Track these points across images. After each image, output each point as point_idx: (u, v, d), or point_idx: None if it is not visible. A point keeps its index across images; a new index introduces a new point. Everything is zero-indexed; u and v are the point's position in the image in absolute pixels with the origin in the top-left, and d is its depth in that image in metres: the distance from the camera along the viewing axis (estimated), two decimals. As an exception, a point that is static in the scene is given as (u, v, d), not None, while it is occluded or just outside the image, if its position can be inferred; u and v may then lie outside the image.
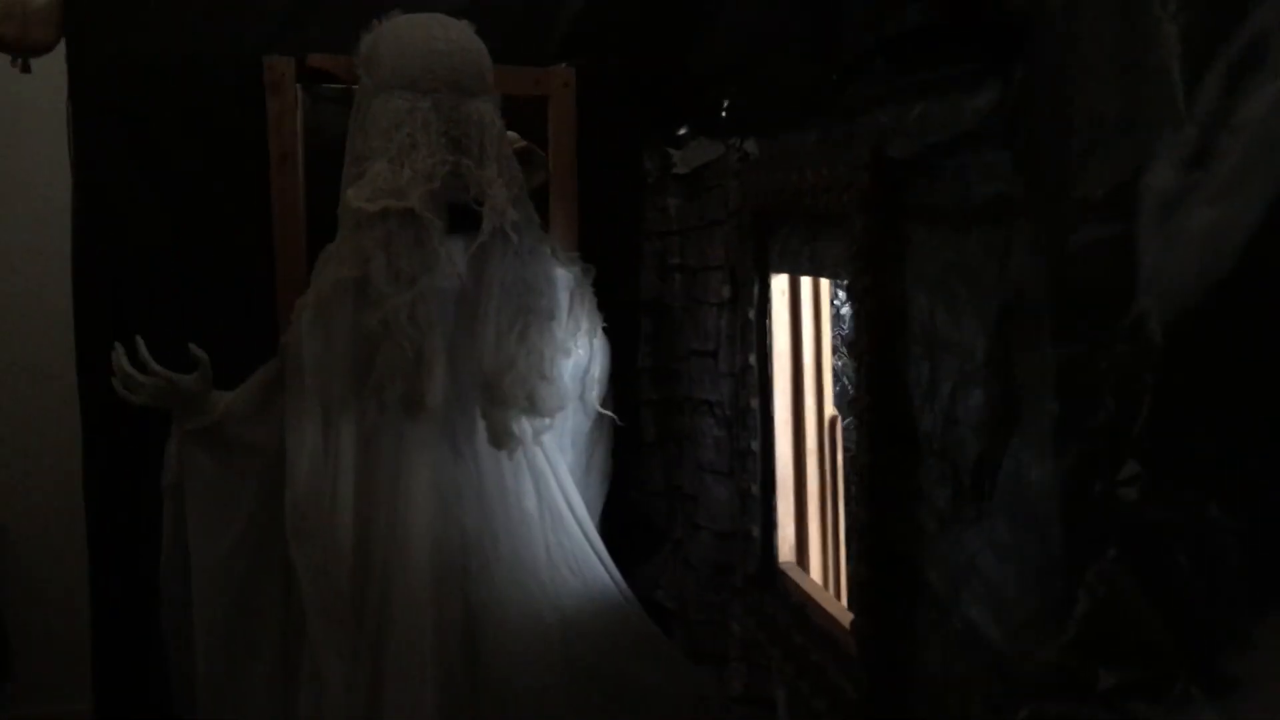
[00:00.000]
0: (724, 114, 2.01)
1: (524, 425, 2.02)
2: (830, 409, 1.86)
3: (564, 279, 2.11)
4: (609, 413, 2.22)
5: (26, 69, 2.06)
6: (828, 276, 1.66)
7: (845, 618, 1.56)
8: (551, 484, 2.10)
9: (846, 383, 1.95)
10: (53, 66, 2.12)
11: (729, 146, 2.03)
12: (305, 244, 2.14)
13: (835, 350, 2.09)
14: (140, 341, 1.97)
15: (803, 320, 1.83)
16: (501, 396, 1.99)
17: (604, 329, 2.20)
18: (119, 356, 1.97)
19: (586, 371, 2.19)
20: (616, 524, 2.29)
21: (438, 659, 2.01)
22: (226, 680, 2.07)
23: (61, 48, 2.09)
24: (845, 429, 1.85)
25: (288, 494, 2.00)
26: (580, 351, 2.15)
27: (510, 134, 2.41)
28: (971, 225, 1.16)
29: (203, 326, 2.06)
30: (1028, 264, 1.04)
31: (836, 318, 2.15)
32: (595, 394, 2.21)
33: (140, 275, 2.11)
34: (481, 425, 2.03)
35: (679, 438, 2.33)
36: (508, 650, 2.06)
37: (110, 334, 2.00)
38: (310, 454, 2.01)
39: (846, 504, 1.82)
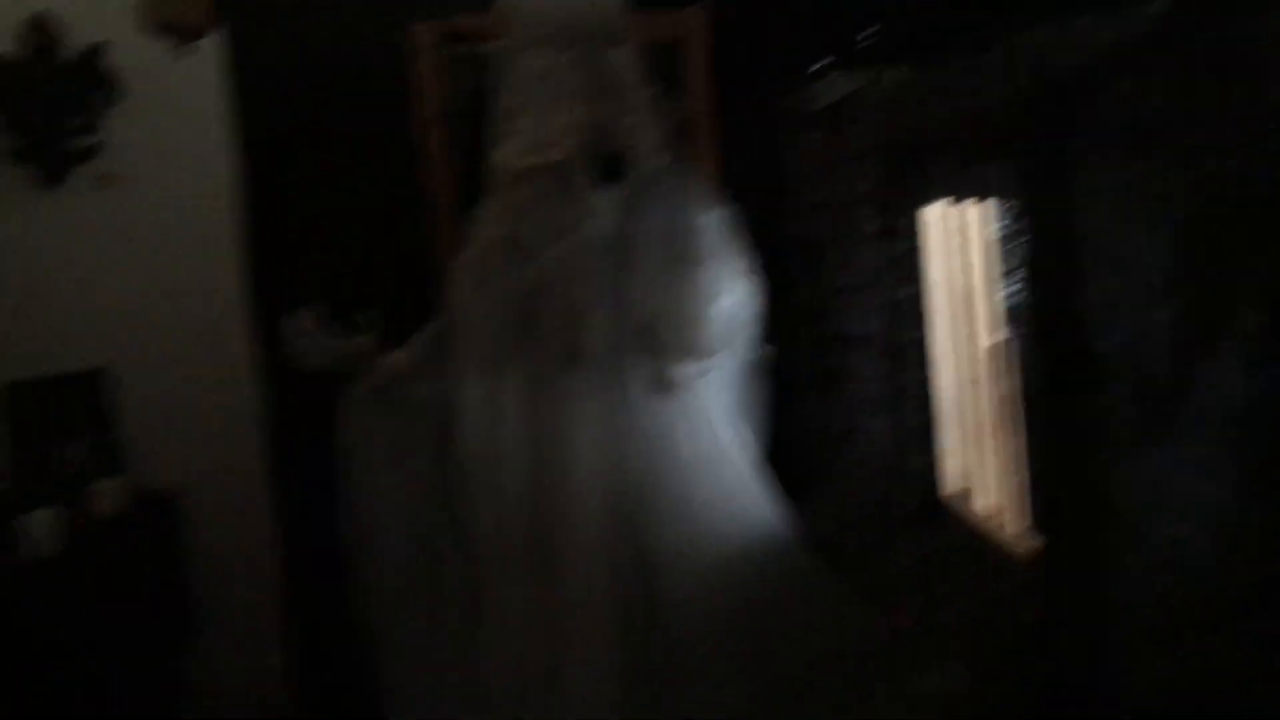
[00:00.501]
0: (863, 45, 1.98)
1: (680, 370, 2.05)
2: (993, 336, 1.84)
3: (712, 222, 2.12)
4: (763, 352, 2.23)
5: (190, 50, 2.15)
6: (991, 200, 1.64)
7: (1017, 545, 1.55)
8: (708, 427, 2.12)
9: (1013, 308, 1.92)
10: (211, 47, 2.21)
11: (870, 78, 2.01)
12: (457, 204, 2.19)
13: (1000, 276, 2.05)
14: (313, 307, 2.06)
15: (959, 248, 1.81)
16: (657, 343, 2.02)
17: (754, 269, 2.20)
18: (291, 323, 2.07)
19: (739, 313, 2.19)
20: (775, 463, 2.31)
21: (613, 601, 2.07)
22: (411, 628, 2.18)
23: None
24: (1015, 354, 1.82)
25: (458, 448, 2.08)
26: (733, 293, 2.16)
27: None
28: (1149, 139, 1.12)
29: (368, 291, 2.14)
30: (1215, 175, 1.01)
31: (998, 242, 2.10)
32: (748, 335, 2.21)
33: (308, 243, 2.19)
34: (640, 372, 2.06)
35: (834, 374, 2.33)
36: (679, 592, 2.10)
37: (282, 302, 2.10)
38: (478, 407, 2.07)
39: (1022, 429, 1.80)
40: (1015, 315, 1.51)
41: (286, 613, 2.32)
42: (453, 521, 2.18)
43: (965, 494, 1.86)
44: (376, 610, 2.23)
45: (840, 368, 2.26)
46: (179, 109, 3.82)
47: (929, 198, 1.79)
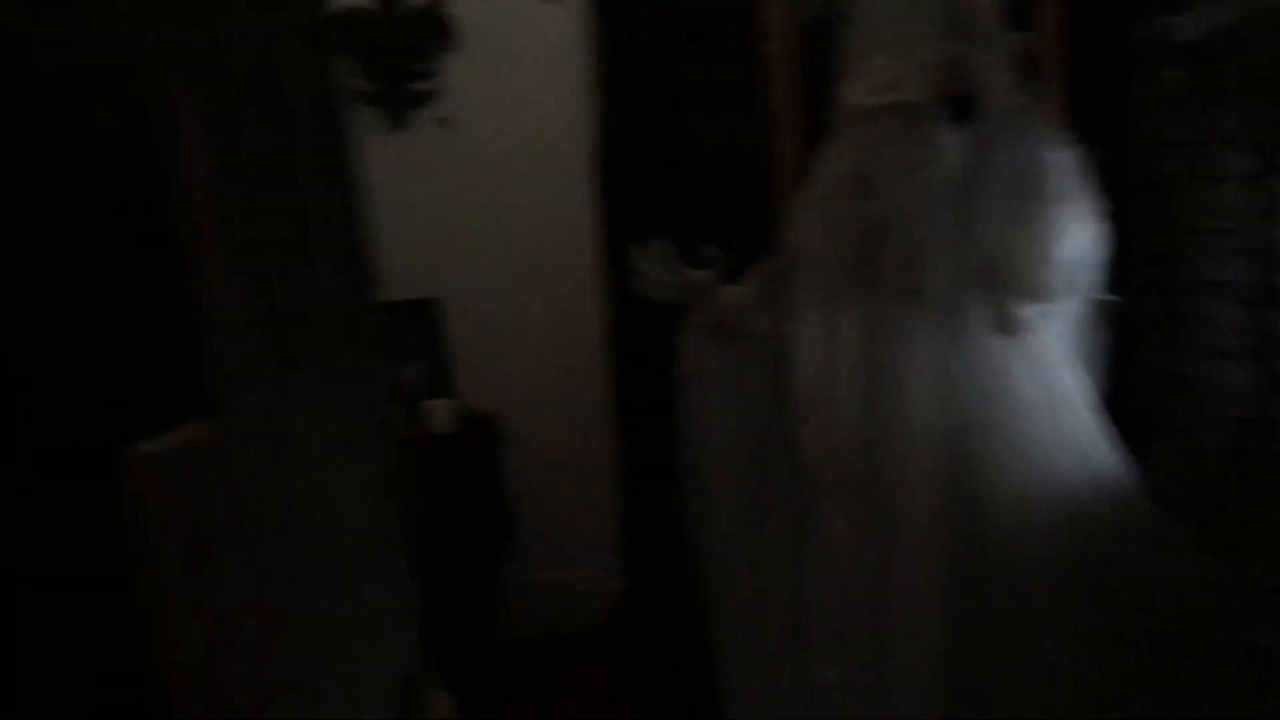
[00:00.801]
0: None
1: (1025, 310, 2.04)
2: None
3: (1063, 162, 2.08)
4: (1108, 296, 2.17)
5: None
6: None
7: None
8: (1050, 369, 2.10)
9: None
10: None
11: (1248, 5, 1.89)
12: (800, 143, 2.24)
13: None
14: (661, 242, 2.17)
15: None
16: (1003, 282, 2.02)
17: (1101, 211, 2.14)
18: (641, 256, 2.19)
19: (1084, 256, 2.14)
20: (1115, 410, 2.25)
21: (941, 538, 2.10)
22: (741, 547, 2.28)
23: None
24: None
25: (796, 379, 2.15)
26: (1078, 236, 2.12)
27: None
28: None
29: (711, 226, 2.23)
30: None
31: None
32: (1093, 278, 2.16)
33: (655, 179, 2.31)
34: (981, 312, 2.06)
35: (1182, 320, 2.23)
36: (1010, 534, 2.10)
37: (630, 236, 2.22)
38: (815, 342, 2.14)
39: None
40: None
41: (620, 531, 2.48)
42: (783, 453, 2.26)
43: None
44: (705, 533, 2.35)
45: (1192, 314, 2.17)
46: (516, 54, 4.08)
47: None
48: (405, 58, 4.18)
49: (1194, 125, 2.15)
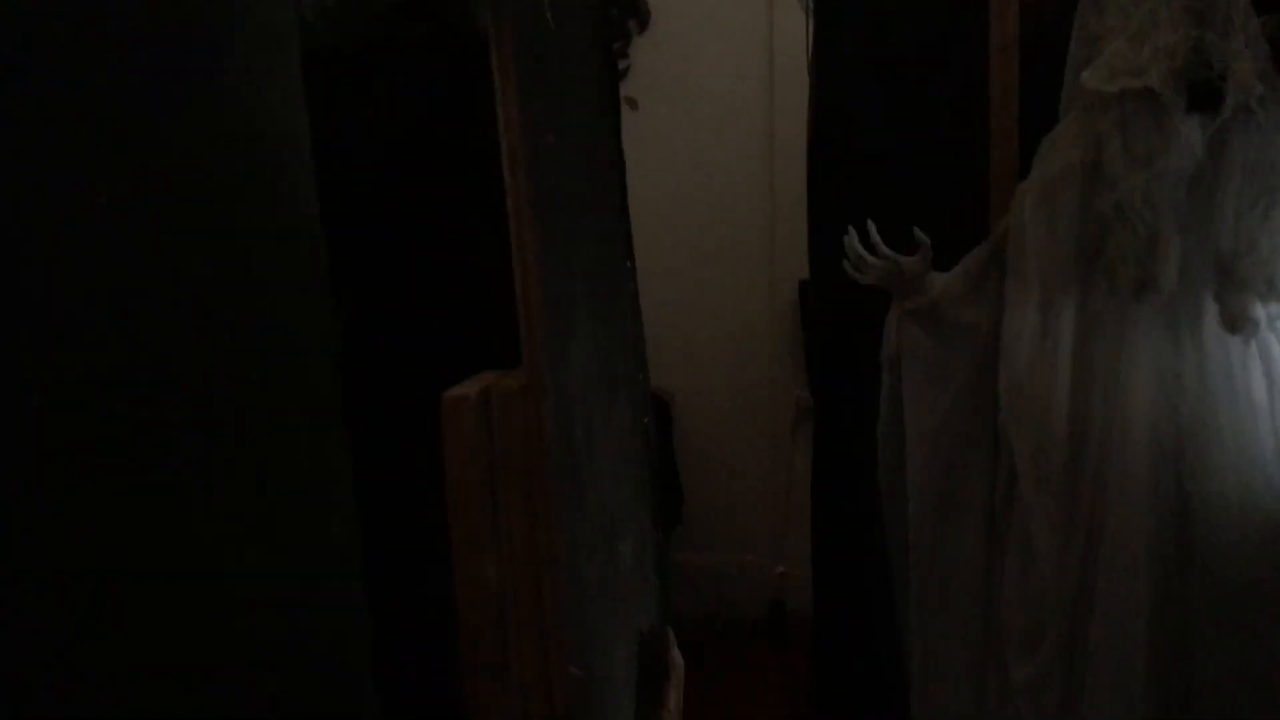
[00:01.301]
0: None
1: (1260, 310, 1.95)
2: None
3: (1308, 156, 1.98)
4: (1348, 301, 2.06)
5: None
6: None
7: None
8: (1283, 374, 2.01)
9: None
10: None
11: None
12: (1017, 133, 2.19)
13: None
14: (872, 226, 2.16)
15: None
16: (1239, 280, 1.93)
17: (1346, 211, 2.03)
18: (852, 240, 2.18)
19: (1325, 256, 2.04)
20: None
21: (1152, 545, 2.03)
22: (936, 538, 2.25)
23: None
24: None
25: (1005, 372, 2.11)
26: (1321, 235, 2.01)
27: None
28: None
29: (922, 212, 2.20)
30: None
31: None
32: (1332, 280, 2.06)
33: (867, 163, 2.29)
34: (1210, 310, 1.98)
35: None
36: (1226, 544, 2.02)
37: (841, 219, 2.21)
38: (1030, 335, 2.09)
39: None
40: None
41: (814, 513, 2.48)
42: (985, 446, 2.22)
43: None
44: (898, 523, 2.33)
45: None
46: (702, 38, 4.11)
47: None
48: (598, 38, 4.26)
49: None
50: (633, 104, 4.28)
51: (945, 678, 2.29)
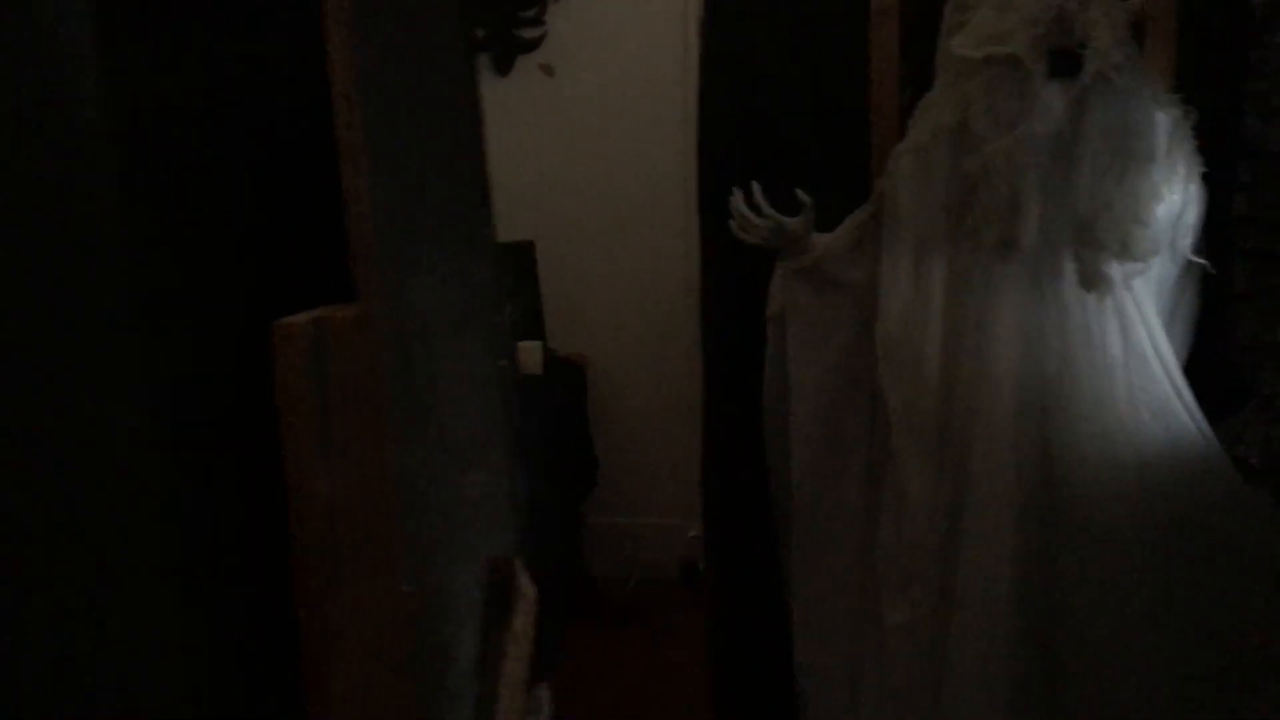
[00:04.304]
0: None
1: (1114, 268, 2.05)
2: None
3: (1163, 122, 2.08)
4: (1200, 260, 2.18)
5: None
6: None
7: None
8: (1138, 329, 2.11)
9: None
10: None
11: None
12: (899, 95, 2.27)
13: None
14: (756, 187, 2.23)
15: None
16: (1095, 239, 2.03)
17: (1201, 174, 2.14)
18: (737, 199, 2.24)
19: (1180, 217, 2.15)
20: (1200, 375, 2.25)
21: (1016, 492, 2.13)
22: (818, 490, 2.34)
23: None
24: None
25: (880, 327, 2.20)
26: (1175, 197, 2.12)
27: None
28: None
29: (808, 173, 2.27)
30: None
31: None
32: (1188, 241, 2.17)
33: (754, 124, 2.35)
34: (1069, 268, 2.08)
35: (1275, 290, 2.22)
36: (1085, 491, 2.12)
37: (729, 180, 2.28)
38: (903, 291, 2.18)
39: None
40: None
41: (703, 478, 2.55)
42: (866, 399, 2.31)
43: None
44: (783, 477, 2.41)
45: (1286, 282, 2.16)
46: (614, 3, 4.14)
47: None
48: (513, 4, 4.27)
49: (1304, 91, 2.13)
50: (549, 71, 4.32)
51: (825, 627, 2.38)
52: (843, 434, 2.34)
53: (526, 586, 1.23)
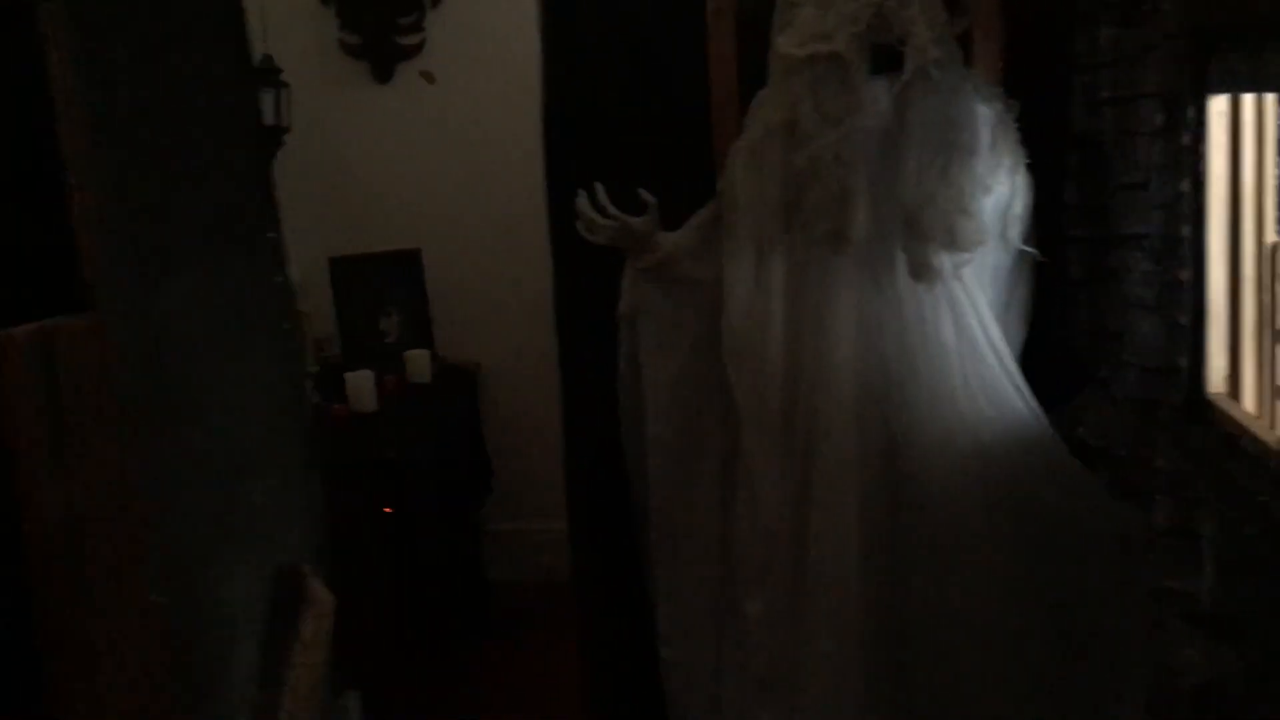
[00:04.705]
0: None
1: (943, 259, 2.10)
2: (1272, 235, 1.78)
3: (985, 115, 2.13)
4: (1031, 249, 2.24)
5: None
6: (1271, 91, 1.59)
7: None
8: (969, 317, 2.16)
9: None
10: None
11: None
12: (739, 93, 2.30)
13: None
14: (600, 187, 2.25)
15: (1243, 143, 1.76)
16: (921, 231, 2.08)
17: (1028, 165, 2.20)
18: (582, 201, 2.26)
19: (1008, 208, 2.20)
20: (1039, 361, 2.32)
21: (860, 478, 2.17)
22: (675, 487, 2.37)
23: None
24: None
25: (725, 321, 2.23)
26: (1002, 188, 2.17)
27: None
28: None
29: (650, 173, 2.30)
30: None
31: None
32: (1017, 230, 2.22)
33: (599, 128, 2.37)
34: (902, 259, 2.13)
35: (1106, 275, 2.29)
36: (926, 477, 2.18)
37: (575, 182, 2.29)
38: (744, 286, 2.21)
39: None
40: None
41: (567, 479, 2.56)
42: (717, 395, 2.34)
43: (1230, 394, 1.83)
44: (641, 475, 2.43)
45: (1115, 268, 2.23)
46: (488, 8, 4.14)
47: (1215, 90, 1.74)
48: (392, 11, 4.25)
49: (1123, 82, 2.20)
50: (430, 78, 4.31)
51: (688, 623, 2.40)
52: (697, 430, 2.36)
53: (319, 593, 1.23)
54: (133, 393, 0.98)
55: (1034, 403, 2.18)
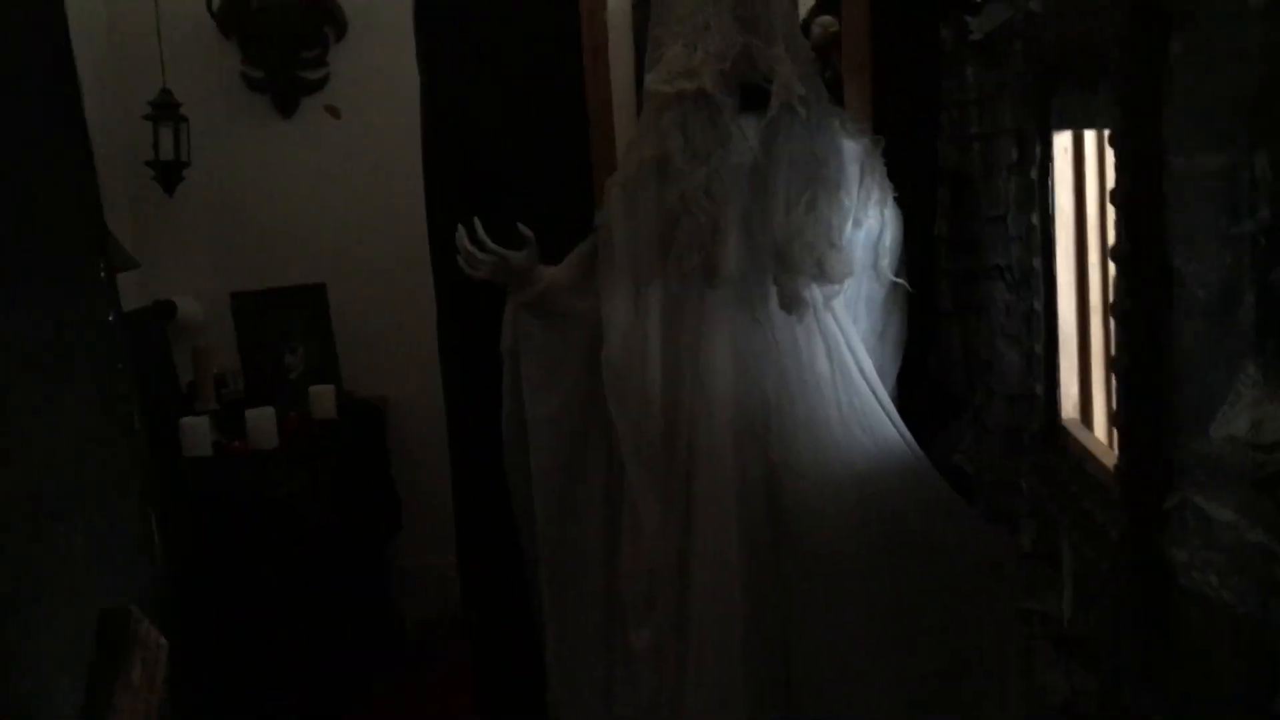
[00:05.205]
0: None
1: (813, 291, 2.14)
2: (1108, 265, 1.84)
3: (853, 150, 2.18)
4: (902, 281, 2.29)
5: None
6: (1097, 129, 1.65)
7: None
8: (843, 348, 2.20)
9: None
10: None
11: (1016, 6, 2.01)
12: (614, 130, 2.34)
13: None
14: (478, 223, 2.26)
15: (1086, 178, 1.82)
16: (791, 264, 2.12)
17: (896, 199, 2.26)
18: (461, 236, 2.27)
19: (878, 240, 2.25)
20: (914, 391, 2.37)
21: (740, 512, 2.19)
22: (559, 517, 2.37)
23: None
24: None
25: (604, 355, 2.25)
26: (871, 221, 2.23)
27: (826, 19, 2.49)
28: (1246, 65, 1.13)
29: (530, 209, 2.31)
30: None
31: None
32: (887, 262, 2.28)
33: (478, 163, 2.39)
34: (774, 292, 2.16)
35: (977, 306, 2.35)
36: (806, 506, 2.20)
37: (456, 218, 2.30)
38: (622, 320, 2.23)
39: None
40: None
41: (457, 516, 2.56)
42: (600, 429, 2.35)
43: (1080, 419, 1.89)
44: (527, 510, 2.43)
45: (984, 299, 2.29)
46: (401, 43, 4.13)
47: (1058, 126, 1.81)
48: (295, 45, 4.23)
49: (985, 119, 2.27)
50: (335, 112, 4.29)
51: (576, 656, 2.40)
52: (582, 464, 2.37)
53: (148, 635, 1.21)
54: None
55: (906, 432, 2.22)
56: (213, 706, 2.14)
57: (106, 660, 1.18)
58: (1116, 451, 1.68)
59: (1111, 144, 1.45)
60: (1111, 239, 1.79)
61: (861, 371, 2.20)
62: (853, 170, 2.17)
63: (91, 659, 1.16)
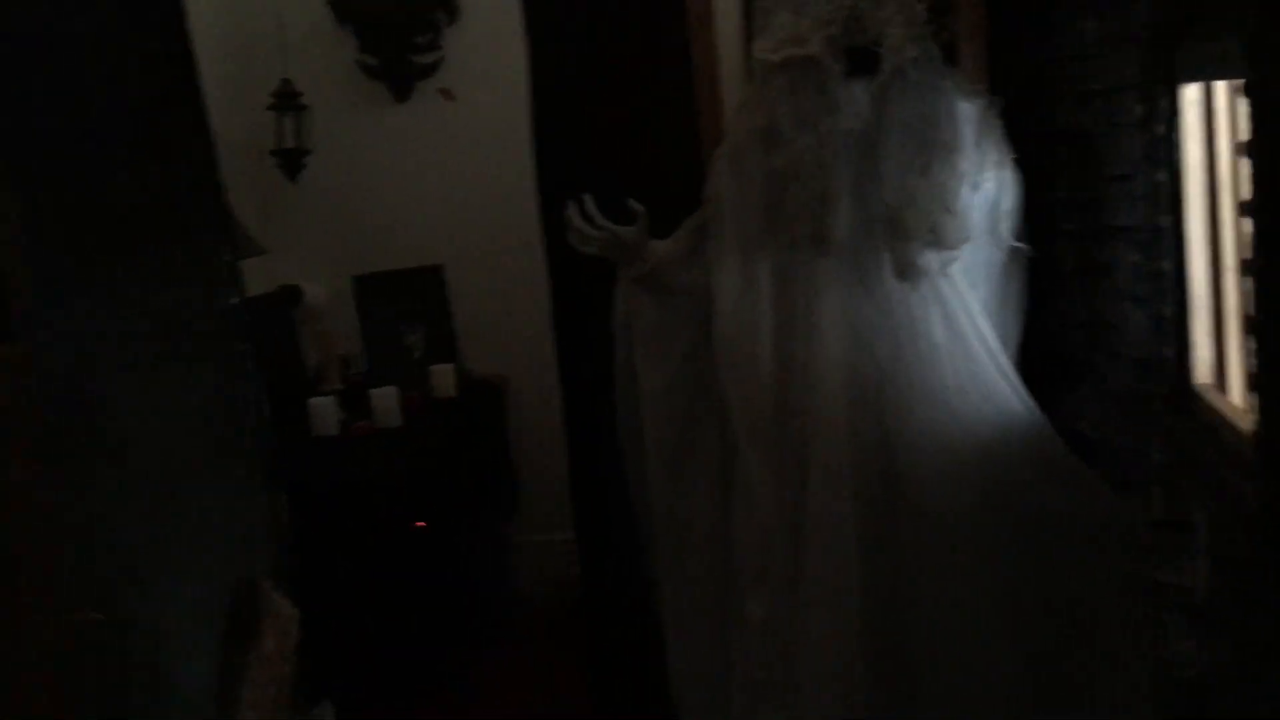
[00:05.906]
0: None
1: (928, 258, 2.09)
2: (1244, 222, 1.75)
3: (968, 112, 2.12)
4: (1022, 245, 2.22)
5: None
6: (1228, 79, 1.57)
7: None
8: (959, 315, 2.14)
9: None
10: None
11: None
12: (722, 101, 2.31)
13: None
14: (589, 199, 2.27)
15: (1218, 131, 1.73)
16: (904, 230, 2.07)
17: (1015, 160, 2.18)
18: (572, 213, 2.28)
19: (996, 204, 2.19)
20: (1037, 356, 2.30)
21: (855, 478, 2.16)
22: (674, 491, 2.37)
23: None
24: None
25: (714, 327, 2.24)
26: (989, 184, 2.16)
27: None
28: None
29: (640, 183, 2.31)
30: None
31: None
32: (1007, 226, 2.21)
33: (589, 140, 2.39)
34: (887, 260, 2.12)
35: (1100, 267, 2.27)
36: (921, 474, 2.16)
37: (566, 195, 2.31)
38: (732, 291, 2.22)
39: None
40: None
41: (573, 490, 2.58)
42: (711, 402, 2.34)
43: (1216, 383, 1.81)
44: (641, 485, 2.44)
45: (1103, 259, 2.21)
46: (503, 24, 4.17)
47: (1187, 79, 1.73)
48: (409, 30, 4.30)
49: (1106, 74, 2.17)
50: (449, 95, 4.35)
51: (693, 629, 2.41)
52: (694, 437, 2.37)
53: (280, 605, 1.25)
54: (57, 419, 1.01)
55: (1029, 398, 2.16)
56: (336, 679, 2.20)
57: (239, 631, 1.23)
58: (1254, 416, 1.61)
59: (1244, 94, 1.38)
60: (1245, 193, 1.71)
61: (980, 338, 2.15)
62: (967, 133, 2.11)
63: (224, 630, 1.20)
